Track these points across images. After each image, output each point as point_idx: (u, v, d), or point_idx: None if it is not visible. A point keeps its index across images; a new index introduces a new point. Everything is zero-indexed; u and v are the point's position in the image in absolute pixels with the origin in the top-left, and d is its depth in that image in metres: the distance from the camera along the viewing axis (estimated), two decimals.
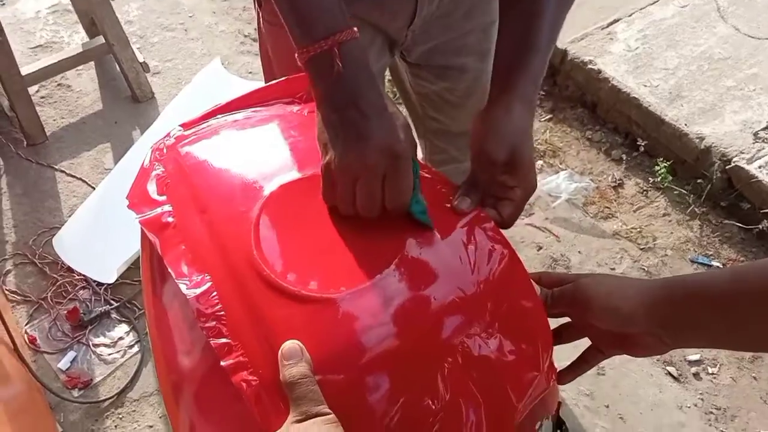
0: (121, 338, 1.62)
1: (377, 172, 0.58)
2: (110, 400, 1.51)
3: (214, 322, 0.53)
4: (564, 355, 0.68)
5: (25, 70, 1.99)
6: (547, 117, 2.09)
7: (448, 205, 0.64)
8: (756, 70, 1.96)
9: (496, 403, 0.56)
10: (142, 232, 0.64)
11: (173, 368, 0.62)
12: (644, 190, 1.87)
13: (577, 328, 0.66)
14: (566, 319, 0.66)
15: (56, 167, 2.00)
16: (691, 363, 1.53)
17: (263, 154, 0.67)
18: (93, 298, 1.67)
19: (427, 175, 0.67)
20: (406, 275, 0.57)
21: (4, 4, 2.55)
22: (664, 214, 1.82)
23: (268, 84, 0.78)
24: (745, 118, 1.85)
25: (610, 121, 2.04)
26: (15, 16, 2.50)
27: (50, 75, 2.13)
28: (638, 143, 1.92)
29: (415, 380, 0.54)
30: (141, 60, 2.15)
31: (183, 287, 0.55)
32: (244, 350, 0.52)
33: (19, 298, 1.69)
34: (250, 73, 2.30)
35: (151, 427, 1.48)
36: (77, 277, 1.71)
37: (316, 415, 0.48)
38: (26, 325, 1.64)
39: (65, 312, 1.63)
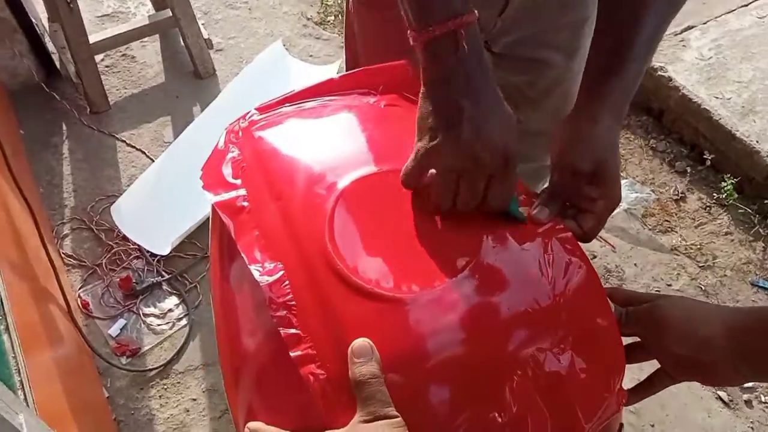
0: (170, 310, 1.65)
1: (486, 171, 0.56)
2: (156, 370, 1.54)
3: (285, 312, 0.53)
4: (625, 376, 0.65)
5: (92, 38, 2.03)
6: None
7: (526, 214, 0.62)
8: None
9: (563, 422, 0.54)
10: (214, 212, 0.65)
11: (236, 348, 0.62)
12: (707, 206, 1.81)
13: (648, 350, 0.63)
14: (634, 339, 0.64)
15: (117, 136, 2.04)
16: (744, 389, 1.48)
17: (339, 145, 0.66)
18: (146, 268, 1.71)
19: None
20: (481, 281, 0.55)
21: None
22: (726, 233, 1.75)
23: (344, 73, 0.77)
24: None
25: (676, 131, 1.97)
26: None
27: (117, 45, 2.17)
28: (705, 156, 1.86)
29: (482, 390, 0.52)
30: (206, 36, 2.17)
31: (256, 273, 0.55)
32: (312, 343, 0.52)
33: (74, 262, 1.74)
34: (311, 56, 2.30)
35: (194, 400, 1.50)
36: (132, 246, 1.74)
37: (385, 416, 0.48)
38: (80, 289, 1.68)
39: (118, 280, 1.67)
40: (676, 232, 1.76)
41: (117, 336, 1.60)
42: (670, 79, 1.93)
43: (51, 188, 1.90)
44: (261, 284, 0.54)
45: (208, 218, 0.72)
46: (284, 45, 2.26)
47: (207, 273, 1.68)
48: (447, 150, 0.57)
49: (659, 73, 1.96)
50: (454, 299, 0.54)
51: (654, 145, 1.96)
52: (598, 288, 0.59)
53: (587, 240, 0.62)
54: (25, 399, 0.83)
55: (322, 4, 2.49)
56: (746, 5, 2.12)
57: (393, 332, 0.52)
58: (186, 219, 1.72)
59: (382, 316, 0.53)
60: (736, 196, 1.79)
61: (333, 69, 2.19)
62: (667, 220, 1.78)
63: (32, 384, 0.88)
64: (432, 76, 0.59)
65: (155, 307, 1.66)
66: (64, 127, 2.07)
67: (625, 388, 0.64)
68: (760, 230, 1.73)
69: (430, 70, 0.59)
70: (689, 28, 2.08)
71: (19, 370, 0.86)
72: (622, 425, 0.66)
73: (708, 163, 1.85)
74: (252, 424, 0.55)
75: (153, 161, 1.95)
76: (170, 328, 1.62)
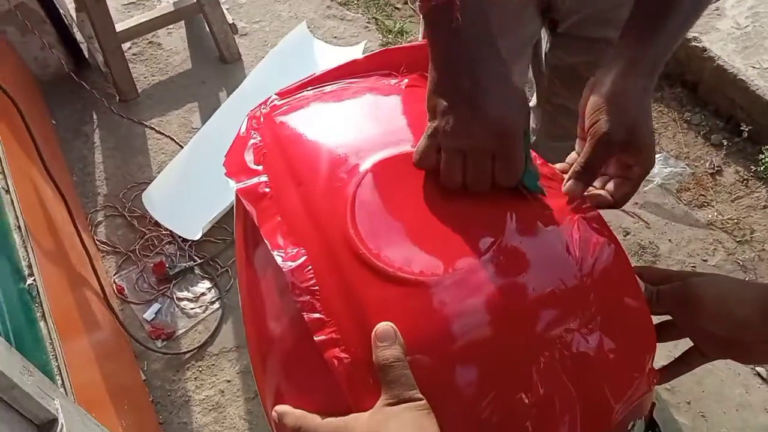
0: (203, 294, 1.68)
1: (485, 150, 0.55)
2: (191, 353, 1.58)
3: (308, 297, 0.53)
4: (659, 353, 0.64)
5: (119, 27, 2.05)
6: None
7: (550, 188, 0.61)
8: None
9: (592, 403, 0.53)
10: (238, 199, 0.65)
11: (263, 332, 0.63)
12: (744, 179, 1.76)
13: (681, 329, 0.62)
14: (666, 317, 0.62)
15: (147, 124, 2.07)
16: None
17: (359, 128, 0.66)
18: (178, 253, 1.74)
19: None
20: (506, 261, 0.54)
21: None
22: (764, 206, 1.70)
23: (365, 55, 0.76)
24: None
25: (712, 103, 1.92)
26: None
27: (143, 33, 2.19)
28: (741, 128, 1.80)
29: (508, 372, 0.52)
30: (230, 21, 2.17)
31: (279, 259, 0.55)
32: (336, 327, 0.52)
33: (108, 248, 1.77)
34: (335, 38, 2.29)
35: (229, 381, 1.53)
36: (164, 232, 1.77)
37: (409, 399, 0.48)
38: (115, 275, 1.72)
39: (152, 265, 1.70)
40: (712, 206, 1.72)
41: (152, 320, 1.63)
42: (704, 49, 1.87)
43: (84, 176, 1.94)
44: (284, 270, 0.54)
45: None
46: (309, 27, 2.25)
47: None
48: (447, 129, 0.56)
49: (693, 43, 1.89)
50: (478, 281, 0.53)
51: (688, 118, 1.90)
52: (627, 267, 0.58)
53: (619, 206, 0.61)
54: (63, 384, 0.86)
55: None
56: None
57: (417, 315, 0.52)
58: (215, 204, 1.73)
59: (406, 299, 0.52)
60: None
61: (358, 50, 2.17)
62: (702, 195, 1.74)
63: (69, 369, 0.90)
64: (432, 52, 0.58)
65: (188, 291, 1.68)
66: (95, 116, 2.10)
67: (661, 364, 0.63)
68: None
69: (431, 44, 0.58)
70: None
71: (56, 356, 0.89)
72: (654, 404, 0.65)
73: (745, 135, 1.80)
74: (279, 408, 0.56)
75: (182, 147, 1.97)
76: (203, 312, 1.65)
